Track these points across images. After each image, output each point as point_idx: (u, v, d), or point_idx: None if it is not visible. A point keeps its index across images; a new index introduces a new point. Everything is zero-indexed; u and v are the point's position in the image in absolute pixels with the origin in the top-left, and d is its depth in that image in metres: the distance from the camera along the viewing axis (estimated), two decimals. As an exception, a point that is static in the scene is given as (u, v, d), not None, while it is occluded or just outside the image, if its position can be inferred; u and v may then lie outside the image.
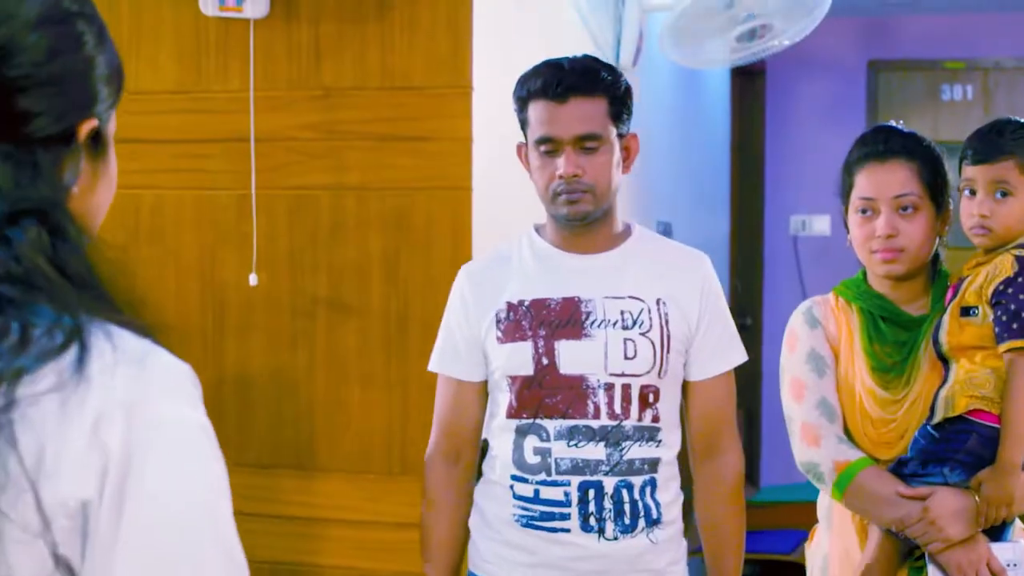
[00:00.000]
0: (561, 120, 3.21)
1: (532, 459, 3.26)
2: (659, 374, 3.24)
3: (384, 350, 4.29)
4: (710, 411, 3.37)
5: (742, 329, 8.75)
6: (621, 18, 5.41)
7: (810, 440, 3.32)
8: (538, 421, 3.25)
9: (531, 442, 3.27)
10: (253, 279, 4.35)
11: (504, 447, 3.32)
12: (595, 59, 3.31)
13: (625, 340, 3.22)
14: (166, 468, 1.34)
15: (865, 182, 3.33)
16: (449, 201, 4.21)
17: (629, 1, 5.40)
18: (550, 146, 3.23)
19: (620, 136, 3.28)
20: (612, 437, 3.22)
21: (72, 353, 1.32)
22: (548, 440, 3.24)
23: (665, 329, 3.25)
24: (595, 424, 3.22)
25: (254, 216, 4.37)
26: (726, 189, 8.78)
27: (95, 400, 1.31)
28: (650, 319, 3.25)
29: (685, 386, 3.35)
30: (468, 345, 3.37)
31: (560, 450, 3.22)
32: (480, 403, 3.42)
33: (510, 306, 3.30)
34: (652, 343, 3.24)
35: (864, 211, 3.33)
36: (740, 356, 3.39)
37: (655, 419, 3.25)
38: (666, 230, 6.56)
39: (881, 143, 3.35)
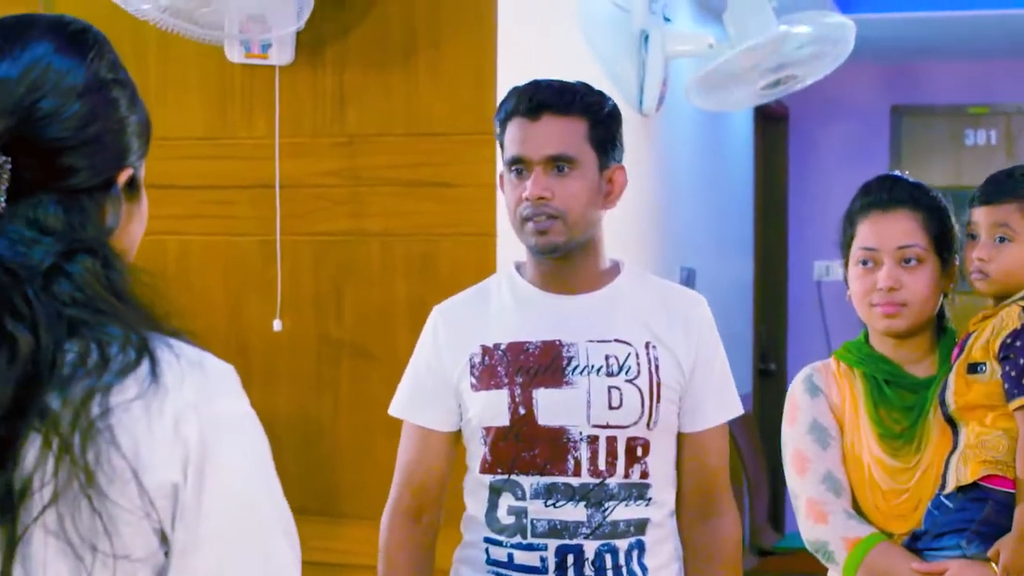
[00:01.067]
0: (531, 138, 2.94)
1: (506, 519, 2.96)
2: (648, 425, 2.96)
3: (408, 395, 4.29)
4: (704, 466, 3.08)
5: (766, 375, 8.76)
6: (644, 64, 5.43)
7: (816, 517, 3.10)
8: (513, 477, 2.95)
9: (506, 500, 2.97)
10: (277, 325, 4.36)
11: (478, 506, 3.04)
12: (582, 83, 3.06)
13: (610, 388, 2.94)
14: (231, 451, 1.65)
15: (867, 232, 3.16)
16: (473, 247, 4.22)
17: (652, 48, 5.42)
18: (520, 166, 2.95)
19: (603, 167, 2.99)
20: (594, 496, 2.92)
21: (145, 365, 1.60)
22: (524, 499, 2.94)
23: (655, 376, 2.97)
24: (575, 482, 2.92)
25: (279, 262, 4.38)
26: (750, 234, 8.77)
27: (172, 404, 1.60)
28: (638, 365, 2.96)
29: (678, 439, 3.06)
30: (438, 390, 3.06)
31: (536, 510, 2.93)
32: (448, 455, 3.13)
33: (485, 350, 3.00)
34: (640, 391, 2.95)
35: (865, 262, 3.15)
36: (736, 408, 3.13)
37: (644, 475, 2.96)
38: (690, 276, 6.56)
39: (885, 192, 3.19)
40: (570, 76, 4.54)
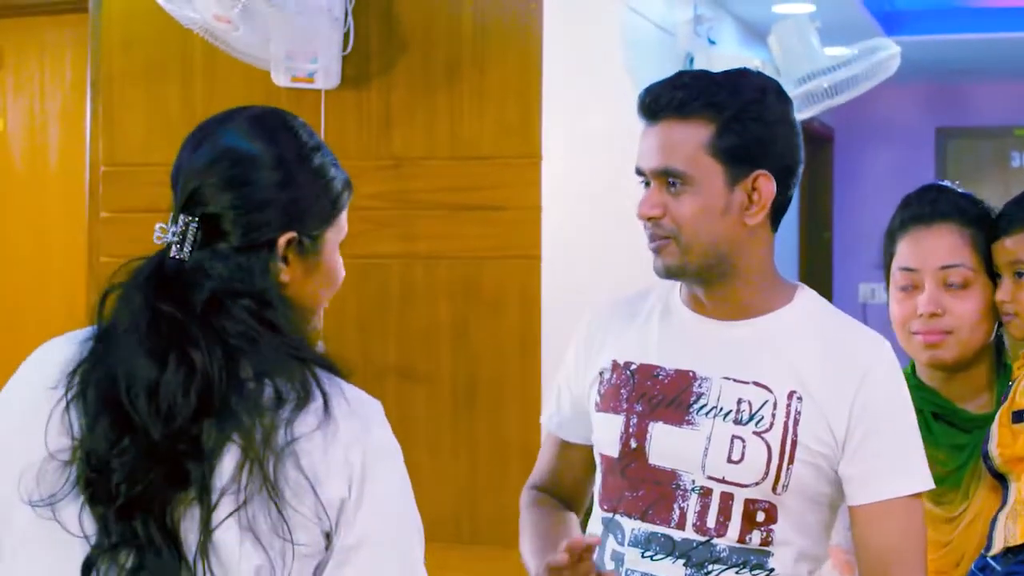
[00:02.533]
0: (646, 146, 2.53)
1: (608, 563, 2.58)
2: (774, 488, 2.46)
3: (453, 418, 4.29)
4: (868, 547, 2.51)
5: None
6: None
7: (842, 567, 2.72)
8: (617, 518, 2.57)
9: (610, 543, 2.59)
10: (321, 347, 4.36)
11: (600, 543, 2.63)
12: (739, 72, 2.57)
13: (733, 438, 2.48)
14: (384, 475, 2.04)
15: (907, 250, 2.78)
16: (518, 269, 4.22)
17: (698, 64, 5.42)
18: (642, 178, 2.55)
19: (736, 178, 2.49)
20: (696, 556, 2.48)
21: (319, 400, 1.99)
22: (623, 544, 2.55)
23: (791, 432, 2.46)
24: (677, 535, 2.50)
25: (324, 284, 4.39)
26: (794, 256, 8.75)
27: (343, 435, 1.99)
28: (773, 416, 2.47)
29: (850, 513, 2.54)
30: (575, 401, 2.72)
31: (633, 560, 2.54)
32: (583, 466, 2.76)
33: (615, 367, 2.62)
34: (768, 447, 2.46)
35: (904, 285, 2.77)
36: (917, 481, 2.50)
37: (765, 543, 2.47)
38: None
39: (928, 204, 2.79)
40: (614, 97, 4.50)
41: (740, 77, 2.53)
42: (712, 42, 5.80)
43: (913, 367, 2.84)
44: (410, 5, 4.35)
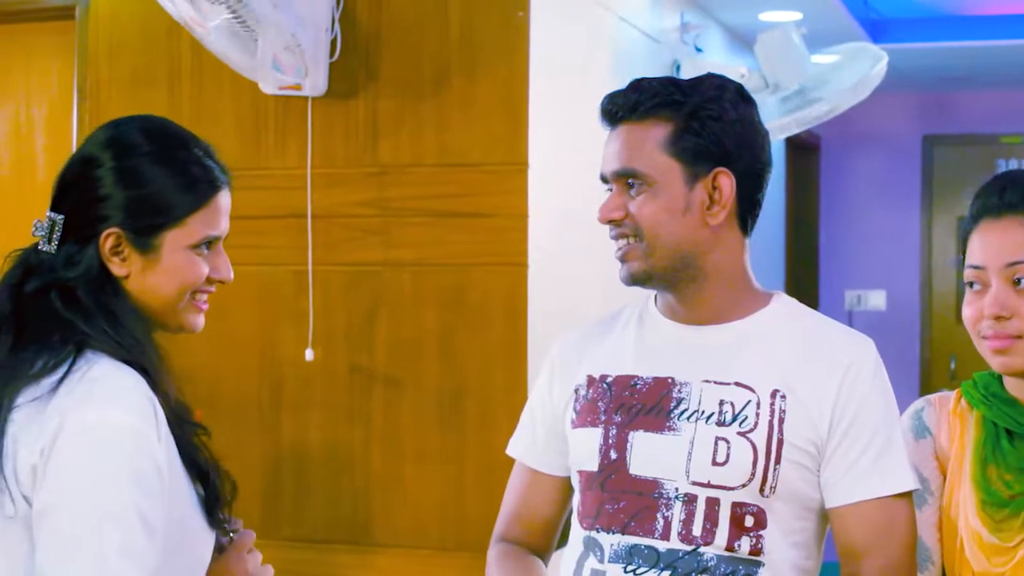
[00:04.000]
0: (607, 151, 2.51)
1: None
2: (761, 490, 2.38)
3: (439, 425, 4.30)
4: (850, 552, 2.43)
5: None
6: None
7: None
8: (595, 535, 2.47)
9: (590, 563, 2.47)
10: (309, 354, 4.37)
11: (569, 562, 2.54)
12: (696, 76, 2.55)
13: (717, 439, 2.40)
14: (80, 449, 2.04)
15: (975, 246, 2.47)
16: (505, 277, 4.22)
17: (684, 72, 5.43)
18: (606, 185, 2.53)
19: (696, 176, 2.44)
20: (683, 567, 2.38)
21: (58, 375, 2.08)
22: (603, 561, 2.45)
23: (776, 431, 2.39)
24: (661, 546, 2.40)
25: (311, 292, 4.39)
26: (781, 263, 8.76)
27: (52, 406, 2.06)
28: (757, 415, 2.40)
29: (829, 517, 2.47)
30: (549, 428, 2.63)
31: None
32: (556, 501, 2.66)
33: (591, 381, 2.55)
34: (753, 447, 2.39)
35: (972, 284, 2.48)
36: (899, 482, 2.42)
37: (755, 551, 2.38)
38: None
39: (996, 195, 2.49)
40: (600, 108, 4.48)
41: (700, 78, 2.52)
42: (699, 50, 5.81)
43: (1001, 376, 2.53)
44: (397, 13, 4.36)
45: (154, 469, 2.08)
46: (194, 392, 4.34)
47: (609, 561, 2.43)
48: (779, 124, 5.58)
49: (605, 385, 2.53)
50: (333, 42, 4.33)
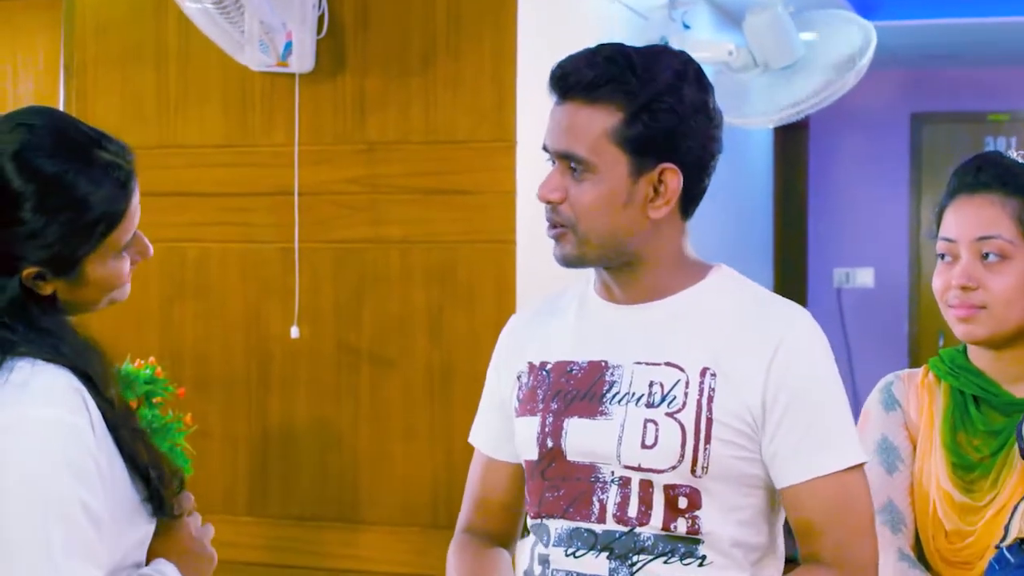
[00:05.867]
0: (552, 125, 2.40)
1: (536, 569, 2.46)
2: (693, 471, 2.33)
3: (428, 403, 4.30)
4: (806, 531, 2.37)
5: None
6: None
7: None
8: (543, 521, 2.45)
9: (538, 547, 2.47)
10: (295, 332, 4.36)
11: (523, 551, 2.55)
12: (655, 51, 2.41)
13: (646, 422, 2.35)
14: (5, 449, 2.01)
15: (948, 220, 2.62)
16: (493, 254, 4.22)
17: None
18: (547, 156, 2.43)
19: (640, 170, 2.35)
20: (619, 548, 2.36)
21: None
22: (548, 545, 2.44)
23: (705, 410, 2.33)
24: (598, 528, 2.38)
25: (297, 269, 4.39)
26: (769, 242, 8.76)
27: None
28: (685, 395, 2.34)
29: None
30: (500, 415, 2.59)
31: (558, 560, 2.41)
32: (512, 488, 2.62)
33: (532, 368, 2.51)
34: (682, 428, 2.33)
35: (943, 256, 2.61)
36: (846, 455, 2.35)
37: (692, 531, 2.35)
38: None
39: (971, 173, 2.64)
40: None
41: (658, 59, 2.37)
42: (687, 27, 5.80)
43: (965, 346, 2.68)
44: (384, -11, 4.35)
45: (92, 461, 2.06)
46: (180, 370, 4.38)
47: (553, 545, 2.42)
48: (778, 116, 5.58)
49: (544, 372, 2.48)
50: (320, 19, 4.32)
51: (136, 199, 2.19)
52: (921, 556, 2.61)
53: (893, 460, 2.64)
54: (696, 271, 2.46)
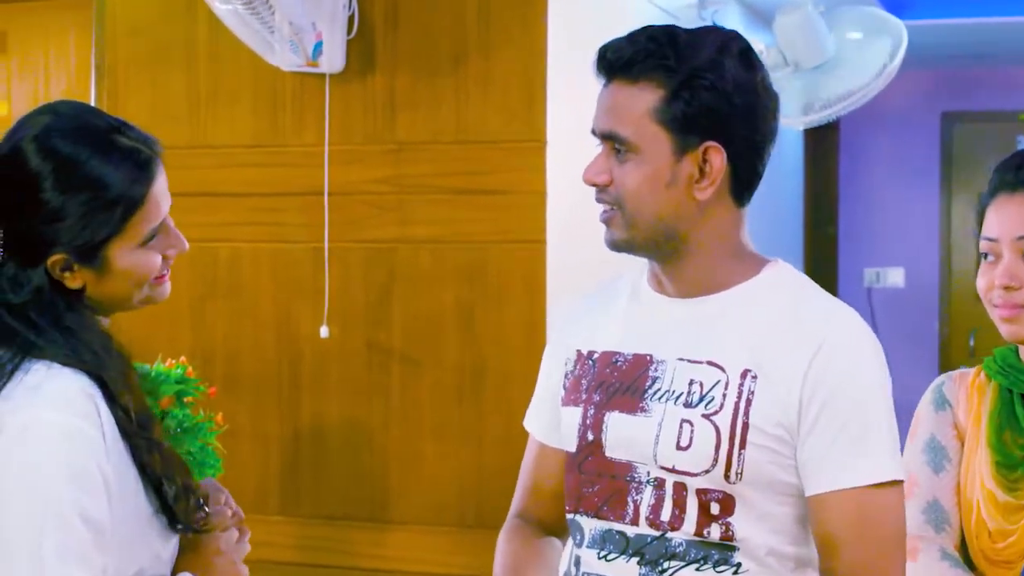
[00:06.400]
0: (599, 108, 2.36)
1: (571, 570, 2.42)
2: (727, 476, 2.25)
3: (458, 402, 4.29)
4: (827, 543, 2.25)
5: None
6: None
7: (909, 552, 2.42)
8: (577, 518, 2.39)
9: (571, 547, 2.43)
10: (324, 331, 4.37)
11: (565, 551, 2.51)
12: (700, 31, 2.35)
13: (682, 422, 2.27)
14: (10, 448, 2.02)
15: (990, 219, 2.58)
16: (523, 254, 4.22)
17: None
18: (596, 140, 2.38)
19: (684, 148, 2.28)
20: (650, 553, 2.29)
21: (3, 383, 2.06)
22: (581, 545, 2.38)
23: (742, 414, 2.25)
24: (630, 531, 2.31)
25: (327, 269, 4.39)
26: (799, 241, 8.75)
27: None
28: (723, 397, 2.26)
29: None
30: (551, 401, 2.52)
31: (589, 561, 2.36)
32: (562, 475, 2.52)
33: (579, 357, 2.46)
34: (716, 431, 2.25)
35: (986, 255, 2.59)
36: (881, 470, 2.23)
37: (726, 538, 2.26)
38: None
39: (1012, 171, 2.60)
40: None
41: (702, 35, 2.31)
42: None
43: (1017, 348, 2.64)
44: (415, -11, 4.35)
45: (97, 468, 2.04)
46: (211, 370, 4.39)
47: (587, 546, 2.37)
48: (810, 118, 5.56)
49: (591, 361, 2.42)
50: (350, 19, 4.32)
51: (160, 187, 2.18)
52: (966, 556, 2.57)
53: (940, 460, 2.60)
54: (751, 266, 2.38)
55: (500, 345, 4.23)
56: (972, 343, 8.85)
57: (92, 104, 4.62)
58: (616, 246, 2.35)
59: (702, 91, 2.25)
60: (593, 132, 2.36)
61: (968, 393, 2.64)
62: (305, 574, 4.44)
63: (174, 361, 3.79)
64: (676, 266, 2.35)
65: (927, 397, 2.68)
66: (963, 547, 2.57)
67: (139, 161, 2.16)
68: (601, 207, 2.34)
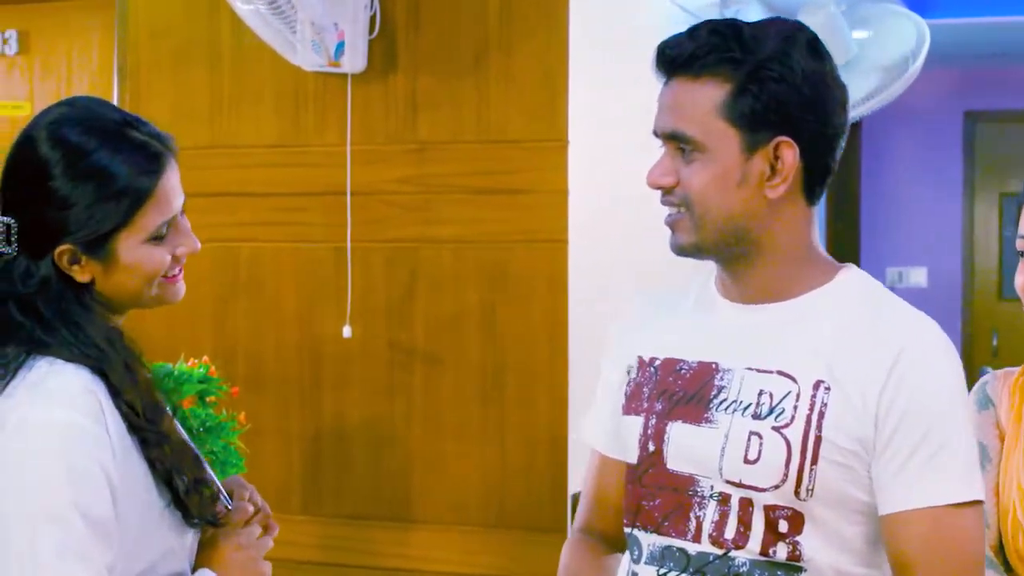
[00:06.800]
0: (659, 107, 2.22)
1: None
2: (797, 492, 2.12)
3: (480, 402, 4.29)
4: (902, 563, 2.13)
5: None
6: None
7: None
8: (635, 532, 2.27)
9: (627, 563, 2.31)
10: (347, 331, 4.37)
11: (623, 561, 2.37)
12: (764, 22, 2.26)
13: (750, 434, 2.14)
14: (10, 447, 2.01)
15: None
16: (545, 253, 4.22)
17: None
18: (658, 141, 2.24)
19: (754, 145, 2.16)
20: (712, 572, 2.18)
21: (7, 380, 2.05)
22: (639, 561, 2.26)
23: (814, 427, 2.11)
24: (692, 548, 2.19)
25: (350, 268, 4.39)
26: (822, 241, 8.72)
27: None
28: (795, 409, 2.13)
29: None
30: (611, 408, 2.38)
31: None
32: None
33: (641, 363, 2.32)
34: (787, 444, 2.12)
35: (1022, 254, 2.53)
36: (961, 490, 2.10)
37: (793, 557, 2.13)
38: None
39: None
40: (642, 81, 4.44)
41: (766, 26, 2.20)
42: (739, 25, 5.77)
43: None
44: (436, -11, 4.36)
45: (98, 464, 2.03)
46: (234, 369, 4.39)
47: (645, 563, 2.25)
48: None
49: (652, 369, 2.29)
50: (372, 19, 4.32)
51: (170, 182, 2.17)
52: (1003, 557, 2.50)
53: (981, 459, 2.38)
54: (824, 271, 2.27)
55: (522, 344, 4.23)
56: (995, 343, 8.83)
57: (116, 102, 4.64)
58: (683, 250, 2.22)
59: (770, 83, 2.13)
60: (655, 133, 2.23)
61: (1011, 391, 2.55)
62: (327, 573, 4.44)
63: (197, 361, 3.80)
64: (745, 270, 2.23)
65: (971, 397, 2.55)
66: (1000, 548, 2.50)
67: (148, 154, 2.15)
68: (666, 210, 2.21)
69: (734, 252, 2.21)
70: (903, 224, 9.28)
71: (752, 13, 6.26)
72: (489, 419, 4.28)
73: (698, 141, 2.14)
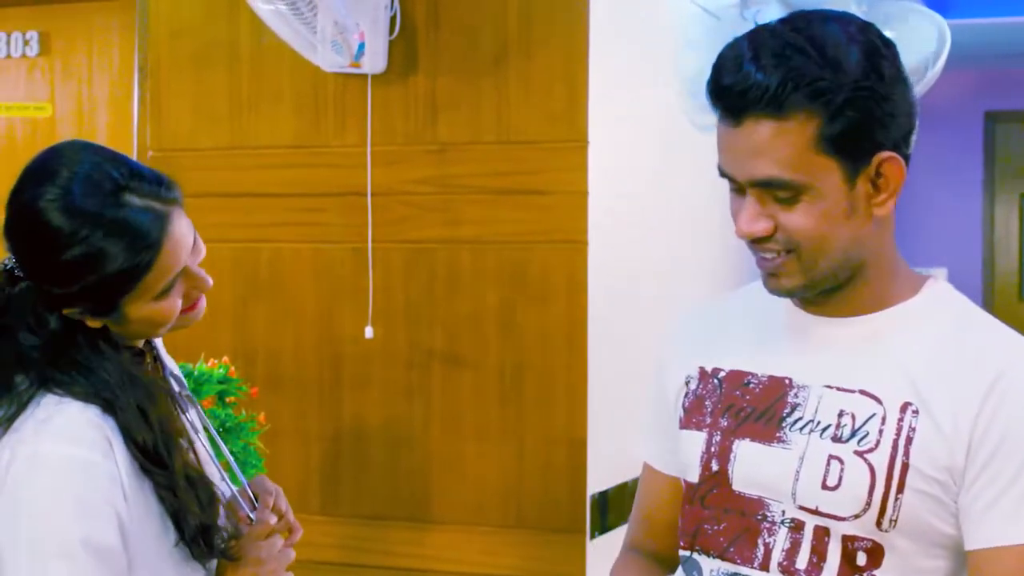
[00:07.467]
0: (733, 151, 2.02)
1: None
2: (879, 523, 1.98)
3: (499, 403, 4.29)
4: None
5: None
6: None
7: None
8: (695, 556, 2.14)
9: None
10: (369, 332, 4.37)
11: None
12: (821, 30, 2.01)
13: (830, 458, 2.01)
14: (25, 482, 2.02)
15: None
16: (565, 254, 4.21)
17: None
18: (731, 183, 2.06)
19: (856, 170, 2.00)
20: None
21: (13, 412, 2.07)
22: None
23: (901, 453, 1.97)
24: None
25: (370, 270, 4.39)
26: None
27: (7, 440, 2.06)
28: (880, 432, 1.99)
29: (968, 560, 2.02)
30: (664, 421, 2.27)
31: None
32: (677, 503, 2.26)
33: (702, 374, 2.20)
34: (871, 470, 1.98)
35: None
36: None
37: None
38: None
39: None
40: (661, 81, 4.42)
41: (836, 37, 1.99)
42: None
43: None
44: (456, -10, 4.35)
45: (104, 498, 2.04)
46: (253, 370, 4.40)
47: None
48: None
49: (716, 381, 2.16)
50: (392, 19, 4.32)
51: (174, 240, 2.15)
52: None
53: None
54: (909, 284, 2.14)
55: (542, 346, 4.23)
56: (1015, 344, 8.80)
57: (136, 109, 4.64)
58: (789, 293, 2.09)
59: (864, 102, 1.97)
60: (729, 177, 2.06)
61: None
62: (345, 573, 4.44)
63: (216, 361, 3.80)
64: (839, 289, 2.10)
65: None
66: None
67: (149, 223, 2.13)
68: (766, 257, 2.06)
69: (841, 279, 2.08)
70: (923, 225, 9.26)
71: (772, 14, 6.25)
72: (508, 419, 4.28)
73: (800, 184, 1.98)
